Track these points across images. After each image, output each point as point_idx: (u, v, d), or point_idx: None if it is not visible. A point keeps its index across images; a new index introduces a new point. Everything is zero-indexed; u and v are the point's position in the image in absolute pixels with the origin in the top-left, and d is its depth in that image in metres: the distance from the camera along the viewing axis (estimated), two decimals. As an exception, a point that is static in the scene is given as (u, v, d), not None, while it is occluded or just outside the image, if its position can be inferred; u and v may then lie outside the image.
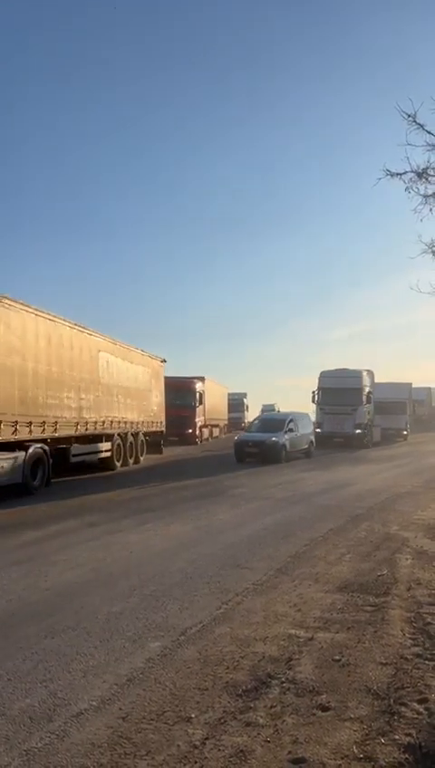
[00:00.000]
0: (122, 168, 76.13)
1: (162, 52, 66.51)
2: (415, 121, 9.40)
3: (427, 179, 9.81)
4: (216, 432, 40.10)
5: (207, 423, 36.34)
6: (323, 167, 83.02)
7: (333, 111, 73.00)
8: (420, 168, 9.76)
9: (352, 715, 3.66)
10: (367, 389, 32.15)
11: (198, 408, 33.68)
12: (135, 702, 3.84)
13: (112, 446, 19.37)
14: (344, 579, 6.69)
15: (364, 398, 31.60)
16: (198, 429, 33.82)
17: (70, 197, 75.90)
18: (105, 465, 19.05)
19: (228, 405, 45.40)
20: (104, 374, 18.71)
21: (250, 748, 3.30)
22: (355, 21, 63.58)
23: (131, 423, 21.26)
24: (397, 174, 9.76)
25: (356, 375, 32.09)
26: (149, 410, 23.78)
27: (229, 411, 46.64)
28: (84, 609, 5.70)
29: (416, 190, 9.94)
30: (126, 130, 72.57)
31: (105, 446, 18.86)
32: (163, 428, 25.43)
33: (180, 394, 32.39)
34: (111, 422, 19.24)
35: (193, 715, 3.66)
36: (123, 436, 20.43)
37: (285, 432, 23.04)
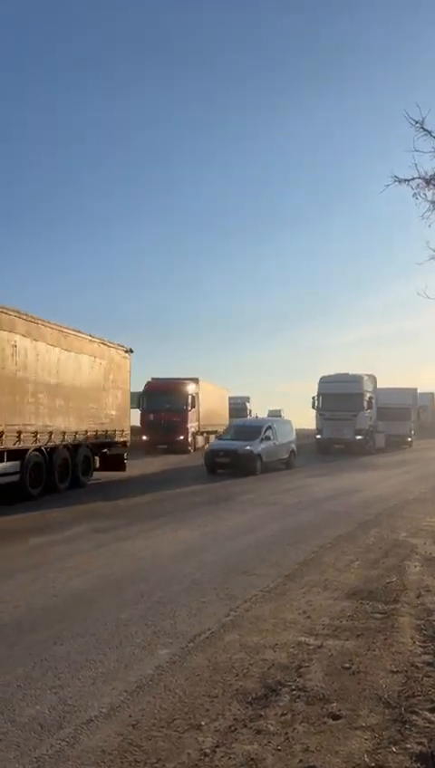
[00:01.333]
0: (126, 172, 76.52)
1: (164, 56, 66.96)
2: (423, 128, 9.40)
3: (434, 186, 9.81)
4: (213, 439, 38.29)
5: (203, 429, 32.99)
6: (329, 171, 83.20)
7: (338, 116, 73.17)
8: (428, 174, 9.76)
9: (363, 724, 3.64)
10: (368, 395, 31.59)
11: (190, 413, 30.63)
12: (145, 709, 3.83)
13: (24, 466, 13.97)
14: (353, 586, 6.66)
15: (365, 403, 31.02)
16: (190, 436, 30.66)
17: (69, 199, 76.41)
18: (17, 492, 13.91)
19: (230, 410, 42.41)
20: (8, 364, 13.53)
21: (261, 756, 3.29)
22: (359, 26, 63.83)
23: (65, 433, 15.59)
24: (405, 180, 9.76)
25: (356, 380, 31.50)
26: (102, 416, 17.81)
27: (231, 417, 43.66)
28: (93, 615, 5.70)
29: (423, 196, 9.93)
30: (128, 136, 73.09)
31: (8, 466, 13.47)
32: (127, 438, 19.65)
33: (170, 397, 30.18)
34: (21, 433, 13.76)
35: (203, 723, 3.65)
36: (49, 452, 15.01)
37: (262, 440, 20.94)
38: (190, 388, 31.20)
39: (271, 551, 8.47)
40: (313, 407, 31.70)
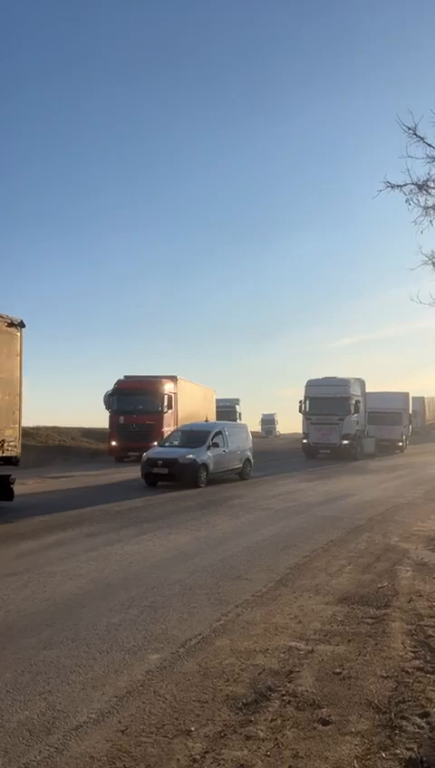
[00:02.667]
0: (122, 168, 76.44)
1: (163, 57, 67.06)
2: (415, 134, 9.46)
3: (427, 191, 9.87)
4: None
5: None
6: (324, 175, 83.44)
7: (335, 121, 73.41)
8: (421, 180, 9.82)
9: (353, 729, 3.63)
10: (355, 399, 30.96)
11: (166, 415, 27.16)
12: (134, 715, 3.82)
13: None
14: (345, 590, 6.66)
15: (352, 407, 30.33)
16: None
17: (67, 199, 76.24)
18: None
19: (217, 413, 39.72)
20: None
21: (250, 762, 3.28)
22: (356, 34, 64.17)
23: None
24: (397, 186, 9.81)
25: (343, 383, 30.95)
26: None
27: (218, 420, 41.66)
28: (83, 620, 5.67)
29: (416, 202, 9.99)
30: (126, 131, 73.06)
31: None
32: (14, 453, 12.84)
33: (143, 397, 27.04)
34: None
35: (193, 729, 3.64)
36: None
37: (209, 448, 18.16)
38: (167, 387, 27.92)
39: (263, 555, 8.46)
40: (300, 411, 31.31)
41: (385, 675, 4.44)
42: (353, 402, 30.72)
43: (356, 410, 30.94)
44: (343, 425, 29.89)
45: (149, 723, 3.71)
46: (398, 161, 9.86)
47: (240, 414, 48.13)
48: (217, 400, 42.84)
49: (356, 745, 3.45)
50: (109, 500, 14.85)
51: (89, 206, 78.83)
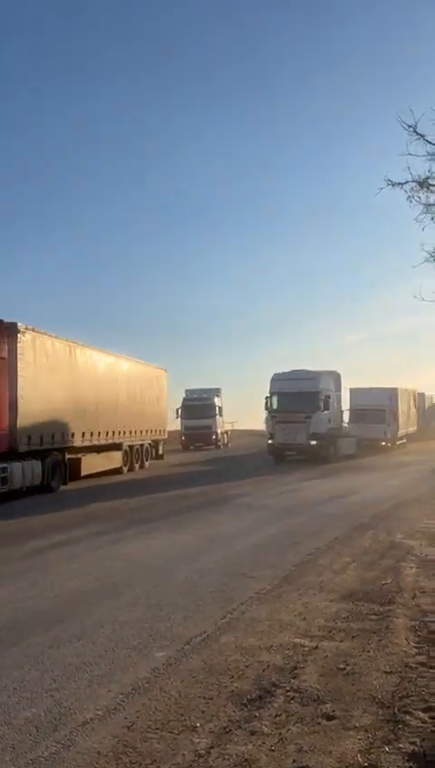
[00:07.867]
0: (126, 172, 76.46)
1: (160, 49, 67.02)
2: (416, 132, 9.48)
3: (428, 189, 9.88)
4: (115, 460, 20.85)
5: (34, 445, 15.15)
6: (325, 172, 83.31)
7: (335, 115, 73.38)
8: (422, 177, 9.84)
9: (356, 724, 3.66)
10: (326, 394, 26.76)
11: None
12: (140, 711, 3.86)
13: None
14: (349, 587, 6.68)
15: (322, 403, 26.12)
16: None
17: (65, 199, 76.29)
18: None
19: (187, 407, 34.36)
20: None
21: (255, 757, 3.31)
22: (355, 30, 64.13)
23: None
24: (398, 183, 9.83)
25: (312, 377, 26.91)
26: None
27: (185, 417, 34.99)
28: (89, 618, 5.71)
29: (417, 199, 10.00)
30: (123, 127, 72.94)
31: None
32: None
33: None
34: None
35: (198, 725, 3.68)
36: None
37: None
38: None
39: (267, 553, 8.48)
40: (265, 408, 27.41)
41: (389, 670, 4.47)
42: (323, 397, 26.45)
43: (326, 407, 26.66)
44: (310, 423, 25.85)
45: (154, 719, 3.75)
46: (398, 159, 9.87)
47: (221, 408, 37.78)
48: (188, 391, 36.22)
49: (360, 740, 3.48)
50: (115, 498, 14.84)
51: (84, 203, 78.40)
